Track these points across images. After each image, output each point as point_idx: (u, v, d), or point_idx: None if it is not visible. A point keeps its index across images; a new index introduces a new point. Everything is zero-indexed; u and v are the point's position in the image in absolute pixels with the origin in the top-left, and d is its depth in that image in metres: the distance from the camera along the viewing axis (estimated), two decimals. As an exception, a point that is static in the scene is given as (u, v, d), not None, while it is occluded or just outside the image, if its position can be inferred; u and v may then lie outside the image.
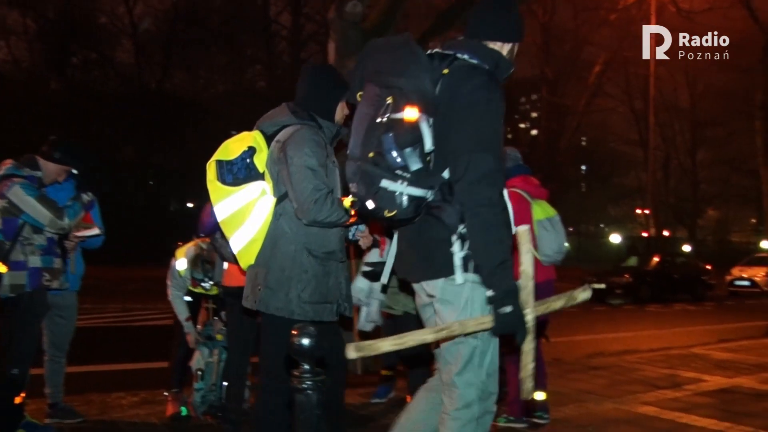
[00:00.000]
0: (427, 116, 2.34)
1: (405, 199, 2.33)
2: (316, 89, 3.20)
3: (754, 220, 43.74)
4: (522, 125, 42.94)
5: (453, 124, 2.37)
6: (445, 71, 2.43)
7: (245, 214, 3.03)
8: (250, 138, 3.10)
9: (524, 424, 4.54)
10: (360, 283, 3.99)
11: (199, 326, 4.73)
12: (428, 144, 2.35)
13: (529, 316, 2.32)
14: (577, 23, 30.45)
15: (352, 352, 2.24)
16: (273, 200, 3.03)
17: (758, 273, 20.87)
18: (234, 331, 4.19)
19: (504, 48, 2.57)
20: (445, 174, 2.40)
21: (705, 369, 6.89)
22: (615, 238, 42.67)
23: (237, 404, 4.09)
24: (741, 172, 36.36)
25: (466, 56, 2.47)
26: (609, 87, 34.41)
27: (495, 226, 2.33)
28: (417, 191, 2.35)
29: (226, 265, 4.07)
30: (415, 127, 2.32)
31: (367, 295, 4.00)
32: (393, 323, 4.53)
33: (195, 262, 4.56)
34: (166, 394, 4.78)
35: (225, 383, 4.38)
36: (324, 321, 3.04)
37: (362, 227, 3.36)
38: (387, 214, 2.35)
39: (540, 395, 4.56)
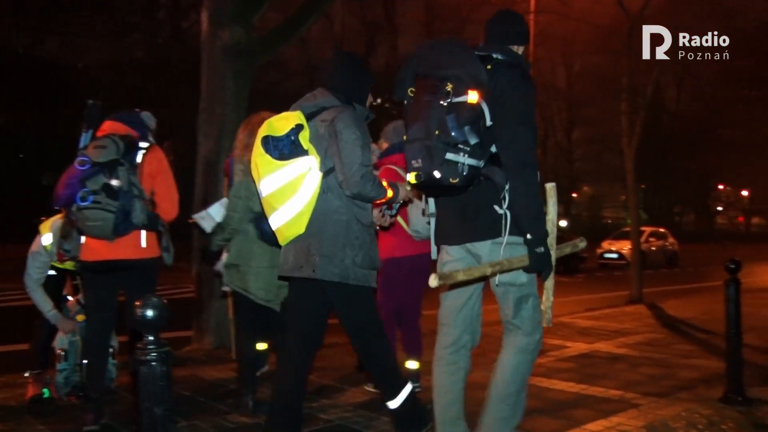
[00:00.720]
0: (485, 99, 2.88)
1: (466, 168, 2.84)
2: (353, 77, 3.52)
3: (623, 197, 46.47)
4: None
5: (501, 106, 2.91)
6: (489, 67, 2.98)
7: (295, 187, 3.23)
8: (295, 117, 3.30)
9: None
10: None
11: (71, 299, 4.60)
12: (488, 121, 2.91)
13: (553, 256, 2.99)
14: (459, 1, 31.05)
15: (433, 281, 2.72)
16: (320, 175, 3.26)
17: (625, 246, 22.11)
18: (91, 306, 4.07)
19: (519, 50, 3.20)
20: (492, 148, 2.94)
21: (569, 336, 7.29)
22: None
23: (97, 381, 3.96)
24: (612, 150, 38.34)
25: (500, 56, 3.05)
26: (491, 65, 35.35)
27: (534, 184, 2.91)
28: (474, 161, 2.86)
29: (83, 239, 3.93)
30: (476, 107, 2.85)
31: None
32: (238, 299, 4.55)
33: (64, 231, 4.34)
34: (26, 375, 4.59)
35: (85, 361, 4.23)
36: (372, 287, 3.40)
37: (393, 210, 3.93)
38: (452, 181, 2.83)
39: (413, 364, 4.72)
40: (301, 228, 3.27)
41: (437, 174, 2.82)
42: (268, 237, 3.85)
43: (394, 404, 3.49)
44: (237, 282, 4.27)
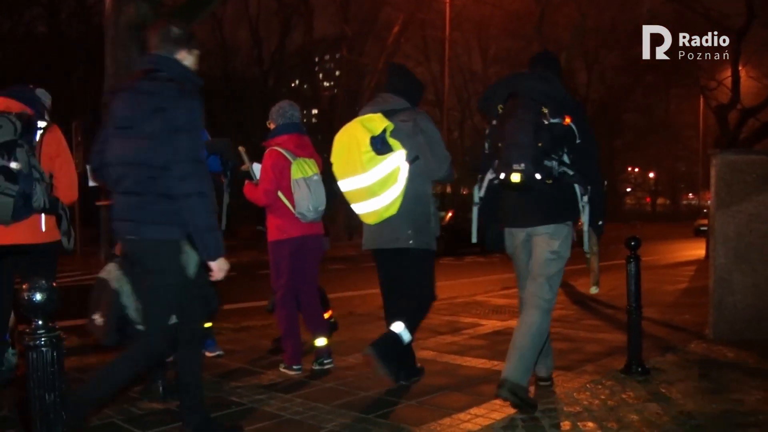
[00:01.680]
0: (574, 122, 3.71)
1: (557, 172, 3.67)
2: (412, 84, 4.42)
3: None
4: (326, 84, 43.21)
5: (584, 133, 3.78)
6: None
7: (395, 176, 4.01)
8: (380, 118, 4.05)
9: (298, 371, 4.80)
10: None
11: None
12: (578, 139, 3.75)
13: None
14: (375, -18, 30.94)
15: (594, 289, 4.28)
16: (407, 165, 4.04)
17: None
18: None
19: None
20: (565, 158, 3.74)
21: (483, 314, 7.45)
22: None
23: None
24: (526, 132, 39.22)
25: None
26: (407, 48, 35.50)
27: (603, 184, 3.93)
28: (563, 168, 3.71)
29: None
30: (569, 127, 3.70)
31: None
32: None
33: None
34: None
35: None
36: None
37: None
38: (547, 181, 3.62)
39: (321, 341, 4.85)
40: (395, 209, 4.06)
41: (538, 176, 3.58)
42: None
43: (400, 330, 4.18)
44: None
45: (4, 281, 3.87)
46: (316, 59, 38.52)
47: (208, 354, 5.24)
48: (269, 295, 5.44)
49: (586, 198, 3.77)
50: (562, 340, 5.88)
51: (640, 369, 4.55)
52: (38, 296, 1.90)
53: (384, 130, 3.99)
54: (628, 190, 64.01)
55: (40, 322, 1.92)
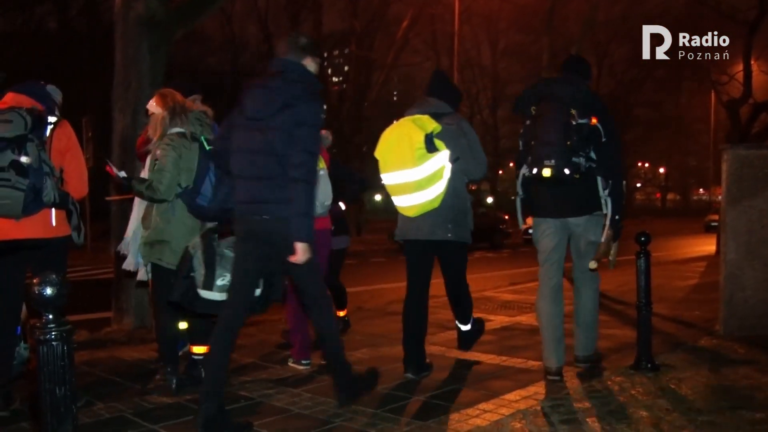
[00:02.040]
0: (600, 122, 4.17)
1: (584, 167, 4.10)
2: (453, 90, 4.85)
3: (547, 173, 47.54)
4: (335, 79, 43.17)
5: (609, 133, 4.23)
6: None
7: (441, 173, 4.31)
8: (428, 119, 4.38)
9: (307, 366, 4.83)
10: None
11: None
12: (603, 137, 4.19)
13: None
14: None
15: (593, 264, 4.39)
16: (450, 165, 4.35)
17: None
18: None
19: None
20: (592, 154, 4.17)
21: (492, 309, 7.45)
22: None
23: (4, 366, 3.82)
24: (536, 128, 39.04)
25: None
26: (416, 43, 35.41)
27: (622, 180, 4.33)
28: (590, 164, 4.15)
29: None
30: (595, 127, 4.15)
31: None
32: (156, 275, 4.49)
33: None
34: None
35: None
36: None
37: None
38: (575, 176, 4.08)
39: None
40: (437, 203, 4.36)
41: (567, 171, 4.04)
42: (198, 211, 4.17)
43: (465, 327, 5.12)
44: (155, 255, 4.21)
45: (16, 276, 3.88)
46: (325, 54, 38.43)
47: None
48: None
49: (606, 192, 4.22)
50: (571, 335, 5.85)
51: (649, 365, 4.54)
52: (48, 290, 1.91)
53: (432, 131, 4.32)
54: (638, 185, 63.68)
55: (50, 316, 1.93)
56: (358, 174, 6.92)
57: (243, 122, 3.57)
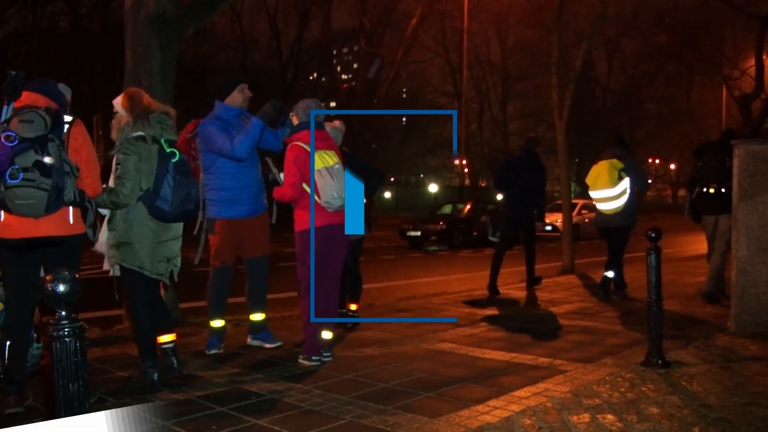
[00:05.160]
0: None
1: (728, 188, 6.23)
2: (625, 144, 8.19)
3: (557, 170, 47.38)
4: (344, 76, 43.19)
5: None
6: None
7: (625, 191, 7.60)
8: (618, 162, 7.69)
9: (317, 363, 4.84)
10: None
11: None
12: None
13: None
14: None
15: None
16: (629, 187, 7.71)
17: (559, 218, 22.51)
18: (11, 285, 3.92)
19: None
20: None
21: (502, 306, 7.44)
22: (433, 188, 44.45)
23: (19, 363, 3.84)
24: (546, 123, 38.99)
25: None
26: (426, 39, 35.40)
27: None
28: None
29: (2, 215, 3.77)
30: (731, 166, 5.98)
31: None
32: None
33: None
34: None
35: (8, 342, 4.08)
36: None
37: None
38: (722, 190, 7.08)
39: (327, 335, 4.91)
40: (621, 207, 7.61)
41: (723, 190, 6.96)
42: (158, 214, 4.21)
43: (611, 275, 8.11)
44: (119, 256, 4.30)
45: (32, 272, 3.91)
46: (334, 51, 38.50)
47: (267, 345, 5.38)
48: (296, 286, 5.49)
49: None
50: (581, 332, 5.86)
51: (660, 362, 4.53)
52: (61, 287, 1.93)
53: (621, 168, 7.57)
54: (649, 181, 63.40)
55: (63, 313, 1.95)
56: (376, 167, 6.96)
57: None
